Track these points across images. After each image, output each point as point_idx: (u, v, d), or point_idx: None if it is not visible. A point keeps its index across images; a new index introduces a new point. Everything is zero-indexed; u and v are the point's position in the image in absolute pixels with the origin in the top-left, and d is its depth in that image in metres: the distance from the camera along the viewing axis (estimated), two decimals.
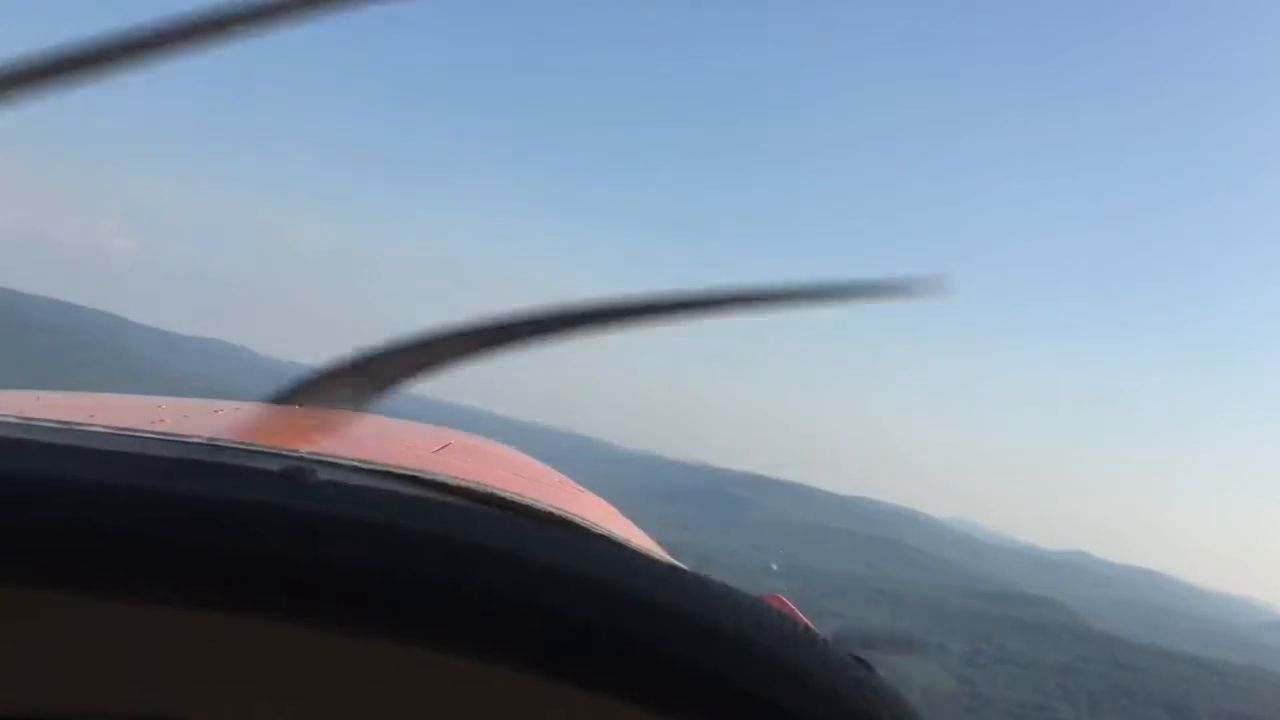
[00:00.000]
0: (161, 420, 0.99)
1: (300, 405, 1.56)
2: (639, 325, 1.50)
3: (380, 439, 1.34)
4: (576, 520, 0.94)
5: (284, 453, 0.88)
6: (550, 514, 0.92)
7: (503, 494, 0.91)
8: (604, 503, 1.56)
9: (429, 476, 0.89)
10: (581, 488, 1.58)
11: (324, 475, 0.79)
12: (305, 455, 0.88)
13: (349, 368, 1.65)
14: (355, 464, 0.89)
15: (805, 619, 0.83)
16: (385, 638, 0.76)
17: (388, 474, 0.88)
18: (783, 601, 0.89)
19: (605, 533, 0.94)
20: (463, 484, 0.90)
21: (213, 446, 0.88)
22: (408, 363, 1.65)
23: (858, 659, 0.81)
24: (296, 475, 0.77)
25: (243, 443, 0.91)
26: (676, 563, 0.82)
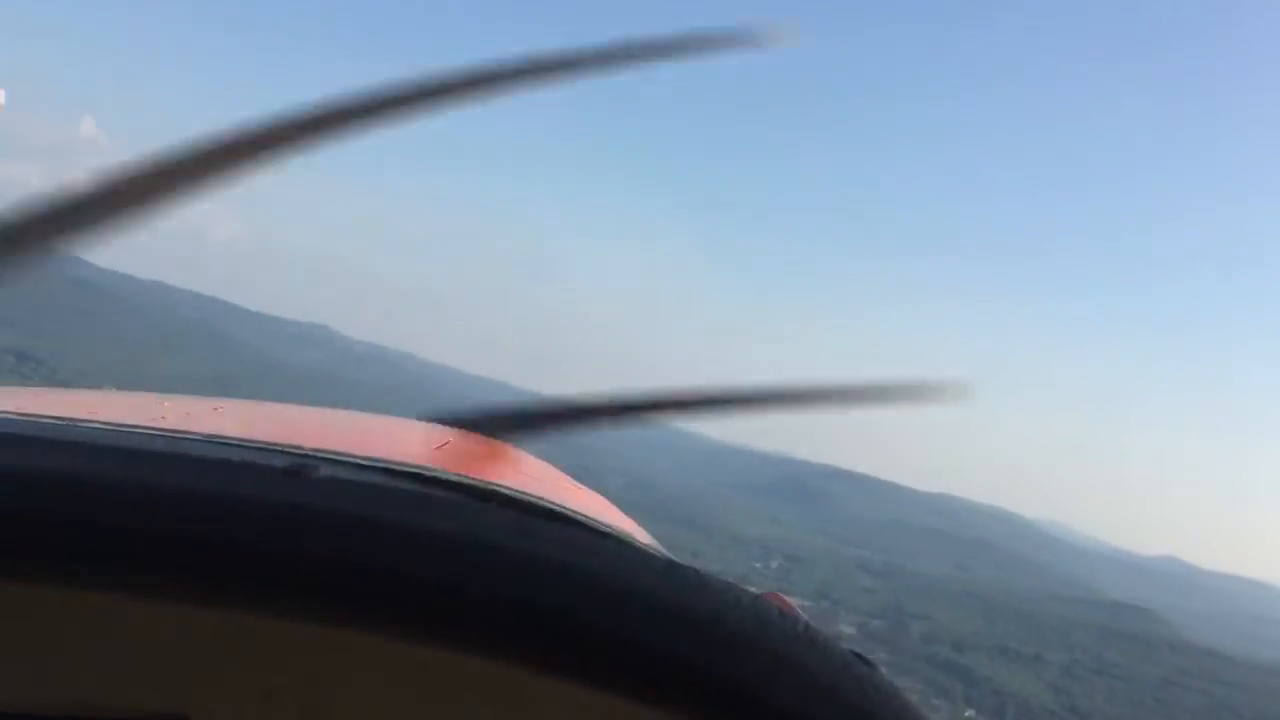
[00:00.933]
0: (164, 417, 0.99)
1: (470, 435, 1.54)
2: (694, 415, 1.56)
3: (381, 437, 1.33)
4: (577, 516, 0.95)
5: (287, 450, 0.88)
6: (551, 510, 0.93)
7: (503, 490, 0.92)
8: (604, 499, 1.56)
9: (430, 473, 0.89)
10: (580, 484, 1.57)
11: (327, 472, 0.79)
12: (308, 452, 0.88)
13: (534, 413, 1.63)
14: (357, 461, 0.89)
15: (805, 617, 0.82)
16: (388, 635, 0.77)
17: (389, 471, 0.88)
18: (783, 600, 0.90)
19: (606, 529, 0.93)
20: (464, 481, 0.90)
21: (215, 443, 0.88)
22: (569, 419, 1.62)
23: (859, 656, 0.81)
24: (300, 471, 0.77)
25: (245, 440, 0.90)
26: (675, 559, 0.82)
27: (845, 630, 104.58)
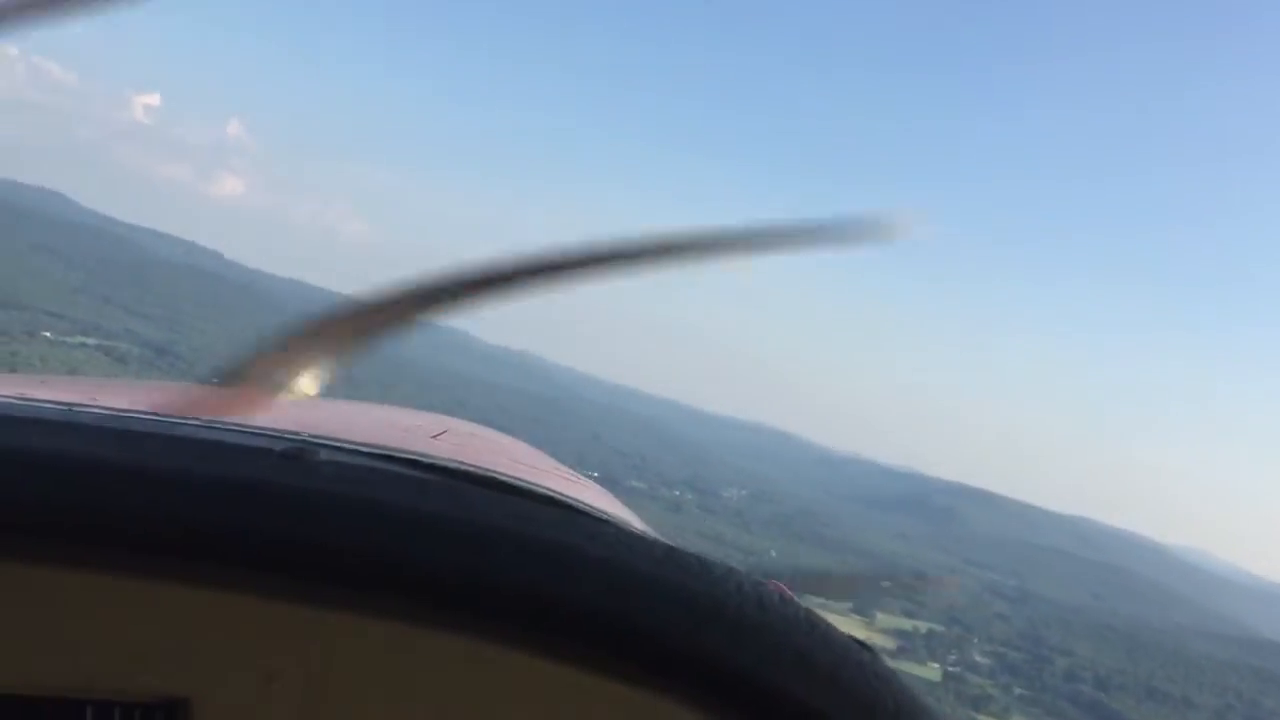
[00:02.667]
0: (161, 404, 1.00)
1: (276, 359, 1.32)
2: (569, 281, 1.27)
3: (378, 424, 1.33)
4: (576, 503, 0.94)
5: (284, 435, 0.88)
6: (550, 497, 0.92)
7: (502, 477, 0.91)
8: (602, 489, 1.53)
9: (429, 460, 0.88)
10: (578, 474, 1.54)
11: (326, 457, 0.78)
12: (306, 438, 0.88)
13: (325, 323, 1.41)
14: (355, 447, 0.89)
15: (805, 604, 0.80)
16: (388, 618, 0.77)
17: (387, 457, 0.87)
18: (783, 588, 0.89)
19: (605, 515, 0.93)
20: (462, 467, 0.89)
21: (212, 428, 0.87)
22: (368, 321, 1.39)
23: (859, 643, 0.81)
24: (299, 455, 0.77)
25: (243, 425, 0.90)
26: (675, 545, 0.81)
27: (980, 660, 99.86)
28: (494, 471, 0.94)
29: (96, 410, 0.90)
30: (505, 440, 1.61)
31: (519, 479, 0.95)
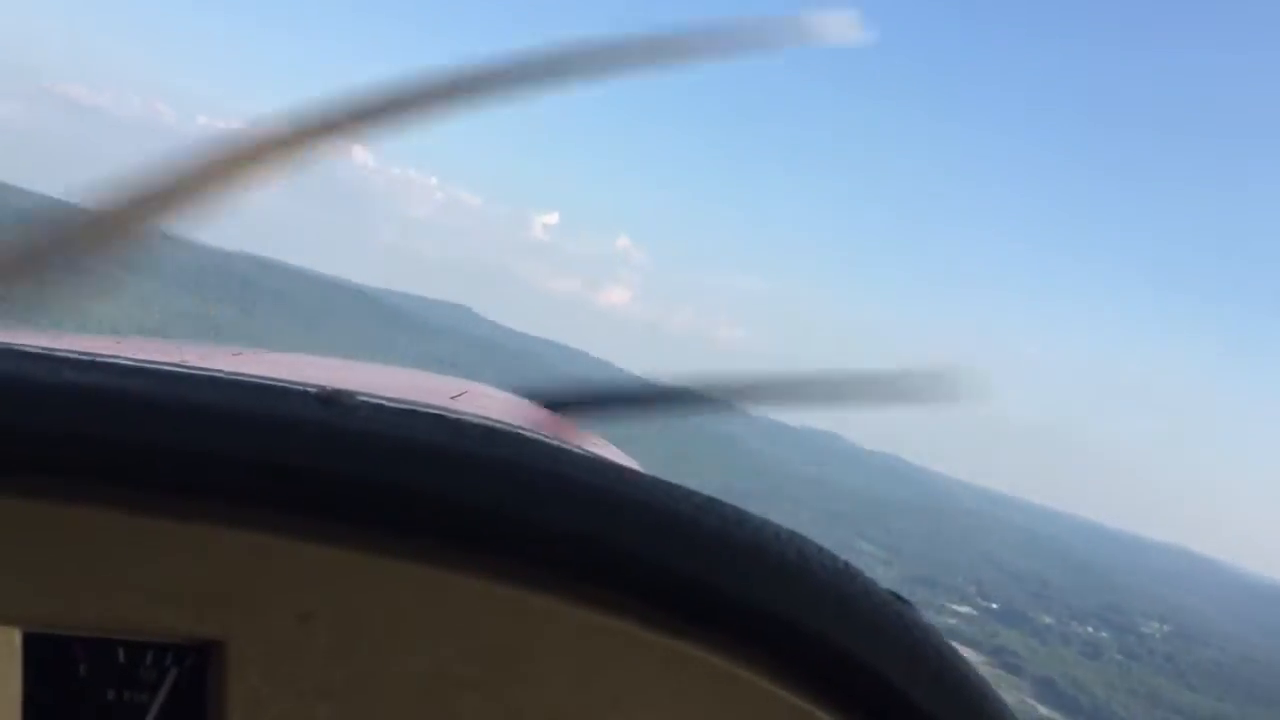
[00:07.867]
0: (186, 359, 0.99)
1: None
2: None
3: (398, 383, 1.34)
4: (608, 457, 0.94)
5: (310, 385, 0.87)
6: (578, 448, 0.92)
7: (527, 433, 0.91)
8: (624, 454, 1.56)
9: (453, 415, 0.87)
10: (595, 436, 1.58)
11: (361, 400, 0.79)
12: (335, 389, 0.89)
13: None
14: (381, 400, 0.88)
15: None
16: (422, 560, 0.76)
17: (411, 411, 0.86)
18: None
19: (639, 469, 0.95)
20: (487, 421, 0.88)
21: (241, 376, 0.87)
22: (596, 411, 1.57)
23: (899, 597, 0.81)
24: (335, 398, 0.77)
25: (269, 377, 0.90)
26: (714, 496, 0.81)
27: None
28: (518, 427, 0.93)
29: (121, 358, 0.87)
30: (524, 404, 1.61)
31: (541, 434, 0.95)
